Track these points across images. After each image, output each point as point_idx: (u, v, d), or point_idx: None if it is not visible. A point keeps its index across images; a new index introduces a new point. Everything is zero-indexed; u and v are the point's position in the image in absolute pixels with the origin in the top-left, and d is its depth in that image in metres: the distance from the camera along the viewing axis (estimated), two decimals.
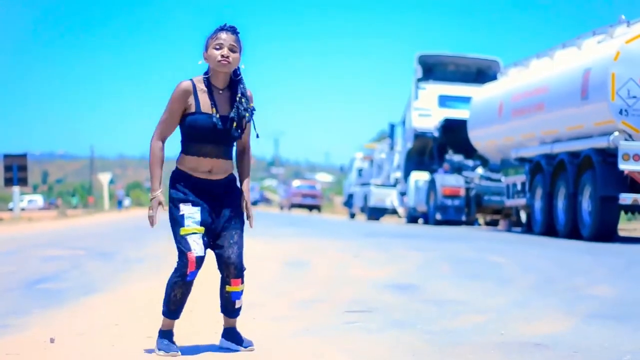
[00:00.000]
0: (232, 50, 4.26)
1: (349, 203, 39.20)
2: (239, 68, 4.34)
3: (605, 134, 14.52)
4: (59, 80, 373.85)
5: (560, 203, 16.26)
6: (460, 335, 4.94)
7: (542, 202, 17.11)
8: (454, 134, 25.28)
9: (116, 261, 10.65)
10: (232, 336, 4.46)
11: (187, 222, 4.23)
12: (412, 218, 28.03)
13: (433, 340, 4.79)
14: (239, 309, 4.46)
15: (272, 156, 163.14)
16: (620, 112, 14.19)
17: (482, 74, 26.69)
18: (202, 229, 4.24)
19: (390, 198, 32.00)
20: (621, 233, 17.75)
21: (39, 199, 76.56)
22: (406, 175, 28.00)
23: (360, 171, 38.42)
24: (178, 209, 4.26)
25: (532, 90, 17.93)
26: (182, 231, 4.23)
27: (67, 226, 25.18)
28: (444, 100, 26.54)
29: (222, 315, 4.50)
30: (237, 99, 4.31)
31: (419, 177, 26.80)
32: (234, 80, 4.34)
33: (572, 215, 15.59)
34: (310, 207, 56.80)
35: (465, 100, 24.16)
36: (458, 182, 24.62)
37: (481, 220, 26.38)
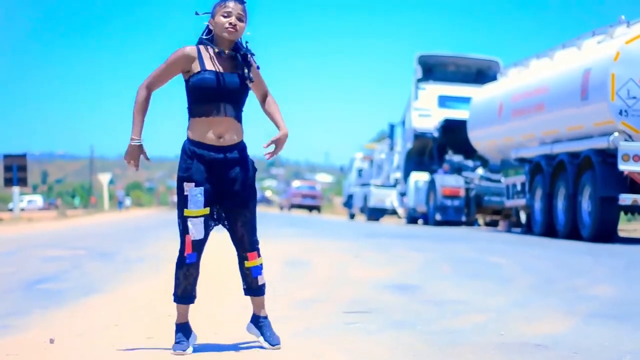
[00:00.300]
0: (239, 19, 4.33)
1: (348, 203, 39.21)
2: (245, 43, 4.42)
3: (605, 134, 14.52)
4: (59, 81, 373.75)
5: (560, 203, 16.26)
6: (461, 336, 4.94)
7: (542, 202, 17.11)
8: (453, 135, 25.28)
9: (116, 261, 10.64)
10: (261, 327, 4.51)
11: (190, 204, 4.27)
12: (412, 218, 28.03)
13: (433, 340, 4.79)
14: (263, 285, 4.51)
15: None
16: (620, 113, 14.20)
17: (482, 74, 26.70)
18: (206, 210, 4.28)
19: (390, 198, 32.01)
20: (621, 234, 17.75)
21: (38, 199, 76.58)
22: (406, 175, 28.01)
23: (360, 171, 38.42)
24: (182, 188, 4.29)
25: (532, 91, 17.93)
26: (185, 212, 4.28)
27: (67, 226, 25.17)
28: (444, 101, 26.55)
29: (250, 300, 4.56)
30: (239, 56, 4.37)
31: (419, 177, 26.81)
32: (238, 46, 4.40)
33: (572, 216, 15.59)
34: (310, 208, 56.81)
35: (465, 100, 24.16)
36: (458, 182, 24.63)
37: (481, 221, 26.38)
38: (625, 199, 14.23)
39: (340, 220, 37.10)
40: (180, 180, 4.30)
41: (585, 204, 15.11)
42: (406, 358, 4.31)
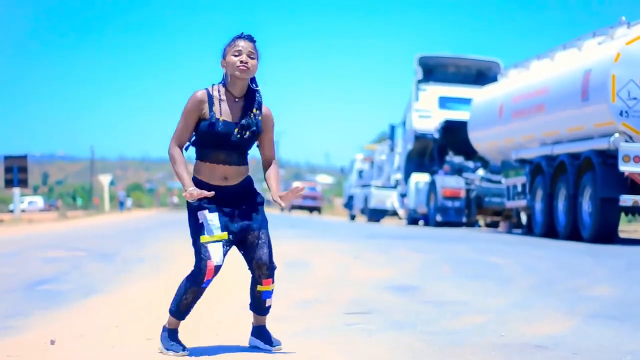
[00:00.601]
0: (250, 57, 4.29)
1: (349, 204, 39.21)
2: (254, 78, 4.38)
3: (606, 135, 14.51)
4: (59, 82, 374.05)
5: (561, 204, 16.25)
6: (461, 336, 4.94)
7: (542, 203, 17.10)
8: (454, 136, 25.28)
9: (116, 262, 10.64)
10: (261, 335, 4.52)
11: (207, 230, 4.24)
12: (413, 219, 28.03)
13: (433, 341, 4.79)
14: (269, 307, 4.52)
15: None
16: (621, 114, 14.19)
17: (482, 75, 26.70)
18: (224, 235, 4.28)
19: (390, 199, 32.01)
20: (621, 235, 17.75)
21: (39, 201, 76.53)
22: (406, 176, 28.01)
23: (360, 172, 38.42)
24: (196, 217, 4.27)
25: (532, 92, 17.93)
26: (202, 239, 4.24)
27: (67, 228, 25.18)
28: (445, 102, 26.55)
29: (251, 313, 4.55)
30: (254, 108, 4.33)
31: (420, 178, 26.81)
32: (252, 90, 4.36)
33: (572, 217, 15.59)
34: (311, 209, 56.81)
35: (466, 101, 24.16)
36: (458, 183, 24.62)
37: (481, 222, 26.38)
38: (626, 200, 14.22)
39: (340, 221, 37.10)
40: (194, 210, 4.28)
41: (586, 205, 15.10)
42: (406, 359, 4.31)
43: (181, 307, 4.34)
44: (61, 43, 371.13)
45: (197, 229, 4.27)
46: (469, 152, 24.29)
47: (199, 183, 4.31)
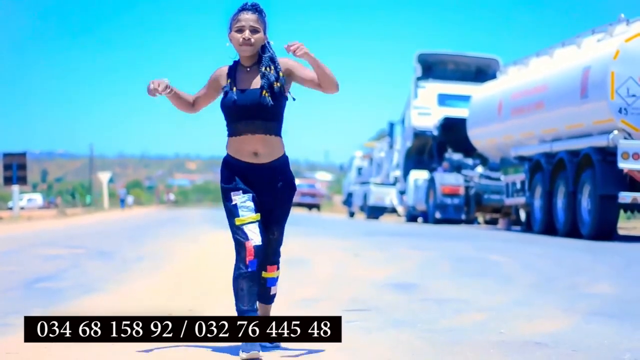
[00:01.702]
0: (254, 31, 4.18)
1: (348, 202, 39.21)
2: (267, 44, 4.25)
3: (605, 132, 14.52)
4: (59, 79, 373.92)
5: (560, 202, 16.26)
6: (461, 334, 4.94)
7: (541, 200, 17.11)
8: (453, 133, 25.28)
9: (115, 260, 10.64)
10: None
11: (241, 211, 4.16)
12: (412, 217, 28.04)
13: (433, 339, 4.79)
14: (274, 295, 4.48)
15: None
16: (620, 111, 14.19)
17: (481, 72, 26.70)
18: (258, 215, 4.19)
19: (389, 197, 32.02)
20: (620, 232, 17.76)
21: (38, 198, 76.51)
22: (405, 173, 28.02)
23: (359, 170, 38.42)
24: (230, 199, 4.20)
25: (531, 89, 17.93)
26: (238, 221, 4.16)
27: (67, 225, 25.17)
28: (444, 99, 26.55)
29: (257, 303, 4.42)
30: (263, 69, 4.20)
31: (419, 175, 26.82)
32: (262, 56, 4.25)
33: (571, 214, 15.60)
34: (310, 206, 56.82)
35: (465, 98, 24.17)
36: (457, 180, 24.63)
37: (481, 219, 26.39)
38: (625, 197, 14.24)
39: (340, 218, 37.10)
40: (226, 191, 4.22)
41: (585, 202, 15.11)
42: (406, 357, 4.30)
43: (244, 302, 4.19)
44: (60, 40, 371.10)
45: (231, 210, 4.20)
46: (468, 149, 24.29)
47: (229, 161, 4.24)
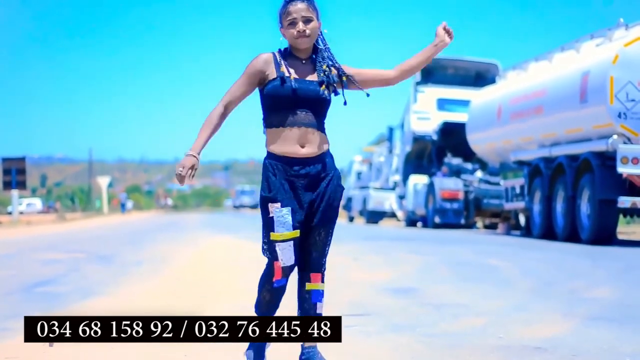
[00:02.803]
0: (306, 21, 3.87)
1: (347, 206, 39.18)
2: (321, 34, 3.98)
3: (604, 137, 14.52)
4: (58, 84, 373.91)
5: (559, 206, 16.26)
6: (460, 339, 4.94)
7: (540, 205, 17.10)
8: (452, 137, 25.28)
9: (115, 264, 10.64)
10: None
11: (277, 227, 3.83)
12: (411, 221, 28.03)
13: (432, 343, 4.78)
14: (320, 314, 4.04)
15: None
16: (619, 116, 14.19)
17: (480, 77, 26.68)
18: (295, 233, 3.85)
19: (389, 201, 32.00)
20: (620, 236, 17.75)
21: (37, 203, 76.53)
22: (405, 178, 28.00)
23: (359, 174, 38.41)
24: (267, 210, 3.86)
25: (530, 94, 17.93)
26: (272, 236, 3.84)
27: (66, 230, 25.16)
28: (443, 104, 26.54)
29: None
30: (319, 63, 3.93)
31: (418, 180, 26.80)
32: (317, 49, 3.98)
33: (571, 219, 15.59)
34: None
35: (464, 103, 24.15)
36: (457, 185, 24.62)
37: (480, 224, 26.38)
38: (624, 201, 14.23)
39: (339, 222, 36.98)
40: (265, 201, 3.87)
41: (584, 207, 15.10)
42: None
43: (262, 306, 3.99)
44: (59, 45, 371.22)
45: (267, 223, 3.86)
46: (468, 154, 24.29)
47: (272, 162, 3.90)
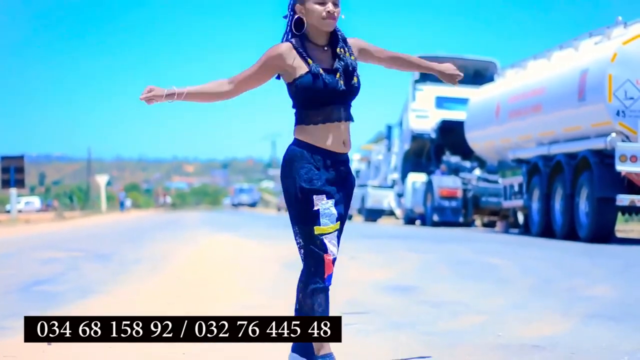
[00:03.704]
0: (335, 3, 3.69)
1: None
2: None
3: (603, 135, 14.52)
4: (56, 82, 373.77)
5: (558, 204, 16.26)
6: (459, 337, 4.94)
7: (539, 203, 17.11)
8: (451, 136, 25.27)
9: (113, 263, 10.64)
10: (306, 352, 3.92)
11: (323, 219, 3.63)
12: (410, 219, 28.03)
13: (431, 341, 4.79)
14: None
15: (269, 158, 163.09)
16: (618, 114, 14.19)
17: (479, 75, 26.68)
18: (338, 224, 3.70)
19: (387, 199, 32.01)
20: (618, 234, 17.77)
21: (36, 201, 76.48)
22: (403, 176, 28.01)
23: (357, 172, 38.39)
24: (311, 202, 3.63)
25: (529, 92, 17.93)
26: (318, 230, 3.63)
27: (64, 228, 25.16)
28: (441, 102, 26.54)
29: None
30: (338, 50, 3.73)
31: (416, 178, 26.81)
32: (334, 35, 3.77)
33: (569, 217, 15.59)
34: None
35: (463, 101, 24.15)
36: (455, 183, 24.63)
37: (478, 222, 26.38)
38: (623, 199, 14.23)
39: None
40: (308, 193, 3.64)
41: (583, 205, 15.11)
42: (404, 359, 4.30)
43: (316, 314, 3.76)
44: (58, 43, 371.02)
45: (311, 216, 3.63)
46: (466, 152, 24.29)
47: (307, 152, 3.68)
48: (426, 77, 26.98)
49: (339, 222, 3.71)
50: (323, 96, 3.67)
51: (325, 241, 3.65)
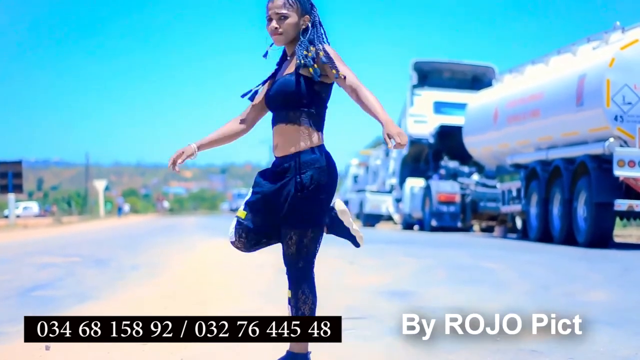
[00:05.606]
0: (282, 18, 3.79)
1: None
2: (310, 25, 3.85)
3: (601, 140, 14.53)
4: (54, 87, 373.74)
5: (556, 209, 16.27)
6: (456, 342, 4.94)
7: (537, 208, 17.11)
8: (449, 141, 25.29)
9: (111, 268, 10.63)
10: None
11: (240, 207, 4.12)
12: (408, 224, 28.02)
13: (429, 347, 4.78)
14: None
15: (267, 161, 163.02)
16: (616, 119, 14.21)
17: (477, 80, 26.72)
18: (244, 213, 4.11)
19: (385, 204, 32.01)
20: (616, 239, 17.77)
21: (34, 206, 76.45)
22: (401, 181, 28.01)
23: (355, 177, 38.42)
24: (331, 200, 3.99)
25: (527, 97, 17.95)
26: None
27: (62, 233, 25.13)
28: (439, 107, 26.56)
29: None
30: (298, 51, 3.80)
31: (415, 183, 26.81)
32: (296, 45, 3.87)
33: (567, 222, 15.60)
34: None
35: (461, 106, 24.17)
36: (453, 188, 24.63)
37: (476, 227, 26.38)
38: (621, 204, 14.23)
39: None
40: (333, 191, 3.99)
41: (581, 210, 15.12)
42: None
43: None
44: (56, 49, 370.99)
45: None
46: (464, 157, 24.30)
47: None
48: (424, 82, 27.02)
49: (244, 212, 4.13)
50: (267, 101, 3.94)
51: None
